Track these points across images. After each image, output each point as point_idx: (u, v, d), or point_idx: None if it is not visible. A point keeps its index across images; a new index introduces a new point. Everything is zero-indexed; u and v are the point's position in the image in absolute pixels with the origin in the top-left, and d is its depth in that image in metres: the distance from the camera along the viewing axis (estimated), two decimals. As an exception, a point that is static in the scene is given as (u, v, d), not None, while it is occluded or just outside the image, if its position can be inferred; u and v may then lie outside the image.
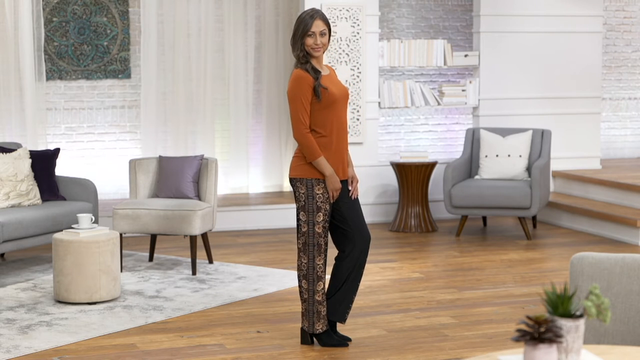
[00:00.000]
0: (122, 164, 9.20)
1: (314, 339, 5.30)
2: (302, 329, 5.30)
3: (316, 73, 5.11)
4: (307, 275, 5.21)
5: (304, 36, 5.10)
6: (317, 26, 5.11)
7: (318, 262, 5.18)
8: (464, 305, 6.17)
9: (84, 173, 9.06)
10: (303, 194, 5.14)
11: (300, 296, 5.26)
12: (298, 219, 5.19)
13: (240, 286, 6.68)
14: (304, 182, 5.13)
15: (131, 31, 9.28)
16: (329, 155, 5.15)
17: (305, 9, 8.88)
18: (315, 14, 5.13)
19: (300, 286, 5.25)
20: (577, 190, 9.39)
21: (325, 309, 5.25)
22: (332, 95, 5.12)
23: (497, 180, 8.62)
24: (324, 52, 5.19)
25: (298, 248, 5.22)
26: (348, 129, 9.01)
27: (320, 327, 5.24)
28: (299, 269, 5.23)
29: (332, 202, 5.17)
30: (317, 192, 5.13)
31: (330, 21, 8.96)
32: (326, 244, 5.21)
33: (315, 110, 5.12)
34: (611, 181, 8.89)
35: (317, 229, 5.15)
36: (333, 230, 5.29)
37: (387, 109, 9.62)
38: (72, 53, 9.12)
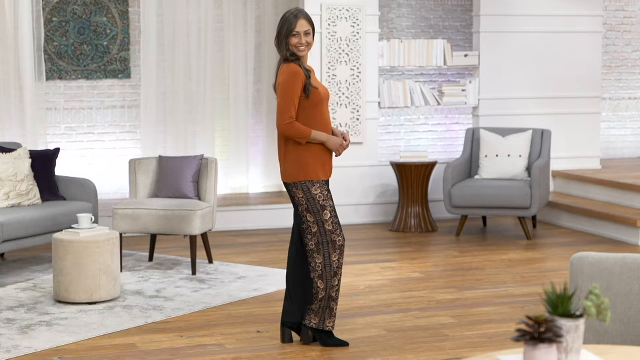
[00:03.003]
0: (122, 164, 9.20)
1: (315, 338, 5.29)
2: (304, 325, 5.28)
3: (307, 72, 5.16)
4: (324, 275, 5.19)
5: (289, 36, 5.12)
6: (302, 26, 5.13)
7: (334, 259, 5.19)
8: (464, 305, 6.17)
9: (84, 173, 9.06)
10: (302, 198, 5.14)
11: (315, 297, 5.22)
12: (304, 222, 5.17)
13: (240, 286, 6.68)
14: (299, 187, 5.14)
15: (131, 31, 9.28)
16: (315, 153, 5.16)
17: (305, 9, 8.90)
18: (299, 13, 5.16)
19: (315, 287, 5.20)
20: (577, 190, 9.39)
21: (337, 306, 5.26)
22: (319, 95, 5.17)
23: (497, 180, 8.62)
24: (308, 52, 5.21)
25: (310, 250, 5.18)
26: (349, 130, 9.08)
27: (330, 324, 5.25)
28: (314, 271, 5.19)
29: (338, 156, 5.27)
30: (315, 192, 5.13)
31: (330, 21, 9.00)
32: (343, 239, 5.22)
33: (301, 110, 5.14)
34: (611, 181, 8.89)
35: (327, 227, 5.15)
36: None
37: (387, 109, 9.61)
38: (72, 53, 9.12)
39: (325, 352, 5.16)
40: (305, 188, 5.13)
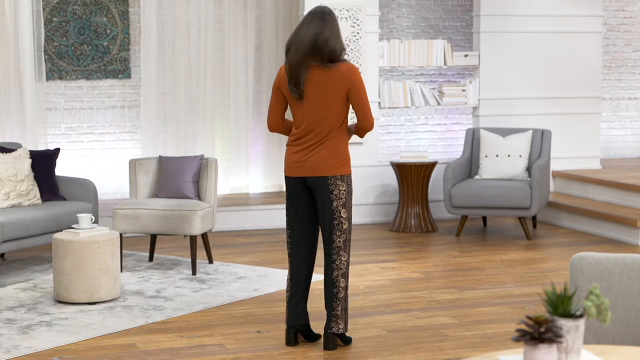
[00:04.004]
0: (122, 164, 9.20)
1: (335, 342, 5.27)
2: (330, 333, 5.18)
3: None
4: (346, 273, 5.18)
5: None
6: None
7: (350, 256, 5.22)
8: (464, 305, 6.17)
9: (84, 173, 9.06)
10: (344, 190, 5.11)
11: (336, 296, 5.15)
12: (336, 218, 5.11)
13: (240, 286, 6.68)
14: (345, 180, 5.12)
15: (131, 31, 9.28)
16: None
17: (306, 9, 8.91)
18: None
19: (336, 286, 5.15)
20: (577, 190, 9.39)
21: None
22: None
23: (497, 180, 8.63)
24: None
25: (337, 247, 5.13)
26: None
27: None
28: (338, 269, 5.15)
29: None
30: (352, 186, 5.17)
31: (330, 21, 9.01)
32: None
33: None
34: (611, 181, 8.89)
35: (351, 223, 5.20)
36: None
37: (387, 109, 9.61)
38: (72, 53, 9.12)
39: (325, 352, 5.16)
40: (349, 181, 5.14)
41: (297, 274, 5.24)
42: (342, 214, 5.12)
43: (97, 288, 6.14)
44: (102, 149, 9.28)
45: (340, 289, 5.16)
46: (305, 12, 8.91)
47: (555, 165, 9.67)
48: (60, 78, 9.11)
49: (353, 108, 5.11)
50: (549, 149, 8.79)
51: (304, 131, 5.10)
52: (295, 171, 5.14)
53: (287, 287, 5.30)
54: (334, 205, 5.11)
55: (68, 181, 7.57)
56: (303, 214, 5.21)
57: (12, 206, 7.16)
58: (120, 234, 6.93)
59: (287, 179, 5.21)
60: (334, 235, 5.14)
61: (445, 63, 9.40)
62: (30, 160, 7.36)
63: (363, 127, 5.12)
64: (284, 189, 9.74)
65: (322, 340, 5.32)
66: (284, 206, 8.98)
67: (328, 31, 5.07)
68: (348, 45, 9.04)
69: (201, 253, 7.77)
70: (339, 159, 5.12)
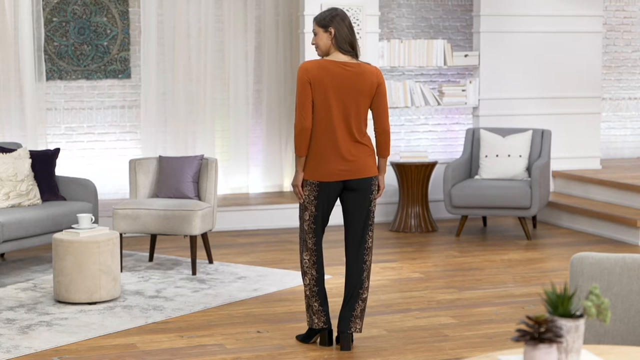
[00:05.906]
0: (122, 164, 9.20)
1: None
2: (349, 333, 5.17)
3: None
4: (370, 274, 5.21)
5: None
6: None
7: None
8: (464, 305, 6.17)
9: (84, 173, 9.06)
10: (375, 192, 5.15)
11: (360, 297, 5.16)
12: (371, 218, 5.12)
13: (240, 286, 6.68)
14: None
15: (131, 31, 9.28)
16: None
17: (306, 9, 8.91)
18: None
19: (363, 287, 5.16)
20: (577, 190, 9.39)
21: None
22: None
23: (497, 180, 8.63)
24: (319, 53, 5.14)
25: (368, 247, 5.14)
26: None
27: None
28: (367, 269, 5.16)
29: None
30: None
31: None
32: None
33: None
34: (611, 181, 8.90)
35: None
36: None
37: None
38: (72, 53, 9.11)
39: (325, 352, 5.16)
40: None
41: (322, 278, 5.22)
42: (373, 215, 5.15)
43: (97, 288, 6.14)
44: (102, 149, 9.28)
45: (365, 289, 5.18)
46: (306, 12, 8.91)
47: (555, 165, 9.67)
48: (60, 78, 9.11)
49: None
50: (549, 149, 8.79)
51: (338, 131, 5.04)
52: (338, 175, 5.04)
53: (313, 292, 5.18)
54: (372, 205, 5.12)
55: (68, 181, 7.57)
56: (326, 220, 5.19)
57: (12, 206, 7.16)
58: (120, 234, 6.93)
59: (320, 185, 5.05)
60: (367, 235, 5.14)
61: (445, 63, 9.40)
62: (30, 160, 7.36)
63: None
64: (284, 190, 9.74)
65: (319, 340, 5.32)
66: (283, 206, 8.98)
67: None
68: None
69: (201, 253, 7.77)
70: (375, 157, 5.16)
